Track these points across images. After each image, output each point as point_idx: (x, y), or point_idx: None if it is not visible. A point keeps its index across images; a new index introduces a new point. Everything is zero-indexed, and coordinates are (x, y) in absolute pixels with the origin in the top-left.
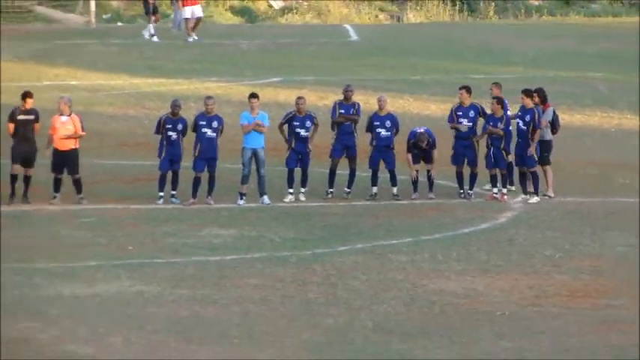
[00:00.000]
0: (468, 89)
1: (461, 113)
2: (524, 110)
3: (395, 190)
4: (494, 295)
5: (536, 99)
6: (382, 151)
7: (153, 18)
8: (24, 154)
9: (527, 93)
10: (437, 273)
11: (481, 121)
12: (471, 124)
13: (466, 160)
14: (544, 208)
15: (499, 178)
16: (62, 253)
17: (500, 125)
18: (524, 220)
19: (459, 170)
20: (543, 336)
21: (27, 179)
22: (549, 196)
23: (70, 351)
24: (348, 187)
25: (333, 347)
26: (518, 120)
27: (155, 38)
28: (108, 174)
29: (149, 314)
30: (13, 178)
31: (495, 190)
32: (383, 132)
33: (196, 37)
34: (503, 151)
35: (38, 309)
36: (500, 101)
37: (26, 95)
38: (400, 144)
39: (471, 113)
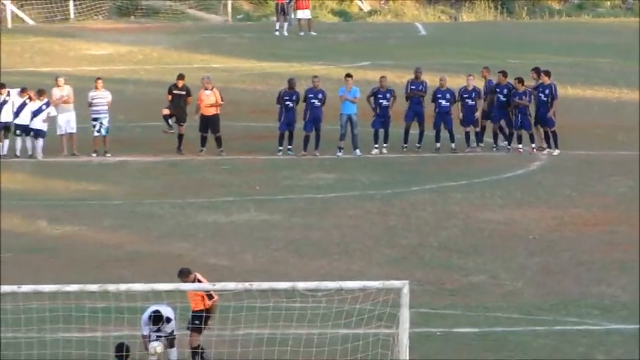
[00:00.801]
0: (504, 73)
1: (499, 90)
2: (543, 86)
3: (453, 145)
4: (527, 223)
5: (534, 74)
6: (443, 116)
7: (282, 18)
8: (176, 114)
9: (547, 73)
10: (485, 207)
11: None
12: (505, 99)
13: (504, 122)
14: (563, 159)
15: (510, 136)
16: (207, 191)
17: (525, 98)
18: (549, 167)
19: (495, 130)
20: (564, 253)
21: (180, 136)
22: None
23: (213, 264)
24: (419, 143)
25: (407, 261)
26: (539, 93)
27: (277, 33)
28: (241, 133)
29: (271, 237)
30: (165, 117)
31: (520, 145)
32: (443, 102)
33: (313, 33)
34: (528, 117)
35: (190, 233)
36: (521, 81)
37: (179, 77)
38: (457, 111)
39: (505, 90)
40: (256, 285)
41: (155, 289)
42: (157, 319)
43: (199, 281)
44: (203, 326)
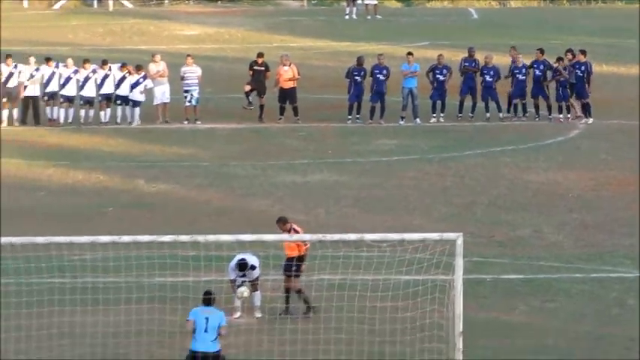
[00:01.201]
0: (541, 50)
1: (535, 65)
2: (579, 63)
3: (501, 115)
4: (567, 183)
5: (569, 55)
6: (488, 90)
7: (351, 3)
8: (257, 88)
9: (583, 52)
10: (530, 169)
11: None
12: (541, 73)
13: (540, 97)
14: (599, 127)
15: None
16: (285, 154)
17: (565, 73)
18: (586, 135)
19: (536, 103)
20: (599, 210)
21: (261, 107)
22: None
23: (290, 218)
24: (471, 113)
25: (460, 217)
26: (576, 70)
27: (347, 17)
28: (315, 103)
29: (342, 195)
30: (246, 93)
31: (561, 115)
32: (488, 78)
33: (379, 17)
34: (567, 90)
35: (270, 191)
36: (561, 59)
37: (259, 55)
38: (501, 86)
39: (541, 66)
40: (329, 236)
41: (239, 240)
42: (242, 266)
43: (295, 230)
44: (296, 272)
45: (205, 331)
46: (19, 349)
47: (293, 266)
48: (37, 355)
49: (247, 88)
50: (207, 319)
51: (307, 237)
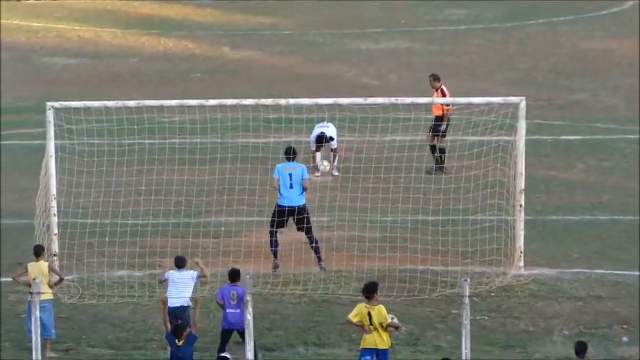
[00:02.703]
0: None
1: None
2: None
3: None
4: (620, 50)
5: None
6: None
7: None
8: None
9: None
10: (586, 38)
11: None
12: None
13: None
14: None
15: None
16: (360, 23)
17: None
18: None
19: None
20: None
21: None
22: None
23: (364, 82)
24: None
25: (524, 81)
26: None
27: None
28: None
29: (413, 61)
30: None
31: None
32: None
33: None
34: None
35: (345, 57)
36: None
37: None
38: None
39: None
40: (400, 100)
41: (317, 103)
42: (321, 138)
43: (442, 91)
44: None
45: (291, 187)
46: (107, 201)
47: (440, 125)
48: (126, 208)
49: None
50: (290, 175)
51: (380, 100)
